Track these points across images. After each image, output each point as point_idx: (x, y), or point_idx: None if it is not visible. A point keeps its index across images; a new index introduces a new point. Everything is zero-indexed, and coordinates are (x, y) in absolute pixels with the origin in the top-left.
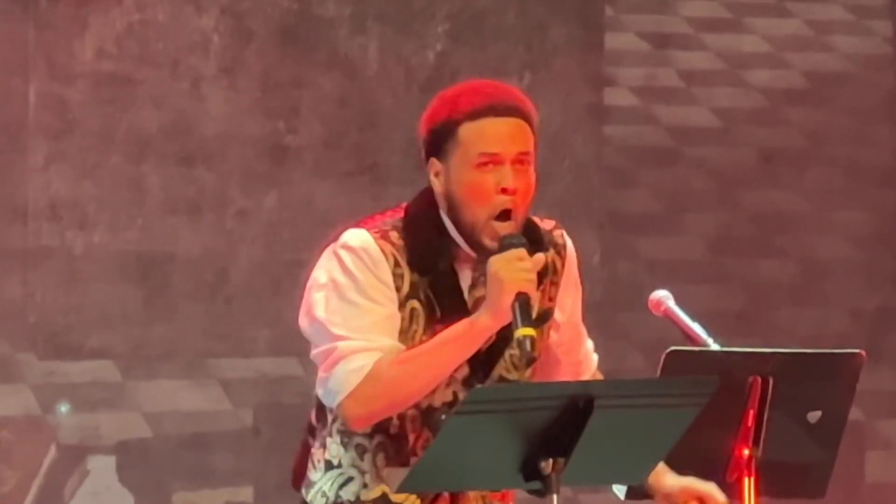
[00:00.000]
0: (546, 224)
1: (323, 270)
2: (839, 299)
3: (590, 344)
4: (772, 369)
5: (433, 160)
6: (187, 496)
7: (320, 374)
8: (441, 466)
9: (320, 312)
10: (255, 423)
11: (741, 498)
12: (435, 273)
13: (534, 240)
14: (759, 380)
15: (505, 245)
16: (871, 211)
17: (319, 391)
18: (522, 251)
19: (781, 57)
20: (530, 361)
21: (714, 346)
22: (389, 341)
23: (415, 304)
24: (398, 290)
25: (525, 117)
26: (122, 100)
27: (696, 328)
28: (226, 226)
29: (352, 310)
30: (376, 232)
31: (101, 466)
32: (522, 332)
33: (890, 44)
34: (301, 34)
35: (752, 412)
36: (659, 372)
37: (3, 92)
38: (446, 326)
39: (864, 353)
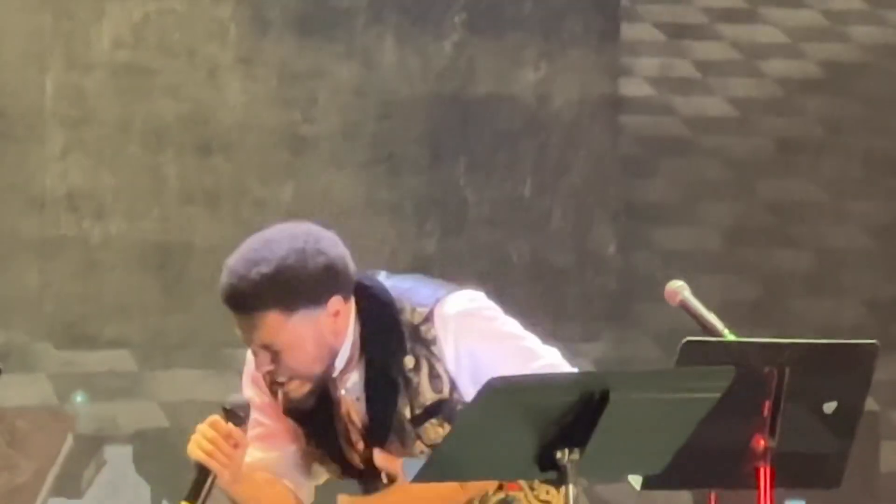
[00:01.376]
0: (417, 316)
1: None
2: (854, 289)
3: None
4: (787, 360)
5: None
6: None
7: None
8: (457, 456)
9: None
10: None
11: (758, 488)
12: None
13: (380, 351)
14: (775, 371)
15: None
16: (886, 201)
17: None
18: (217, 423)
19: (797, 47)
20: None
21: (730, 337)
22: (259, 455)
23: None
24: (278, 402)
25: (259, 307)
26: (140, 89)
27: (712, 319)
28: (243, 216)
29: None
30: None
31: (118, 456)
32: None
33: None
34: (318, 24)
35: (767, 403)
36: (675, 362)
37: (20, 81)
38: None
39: (878, 344)
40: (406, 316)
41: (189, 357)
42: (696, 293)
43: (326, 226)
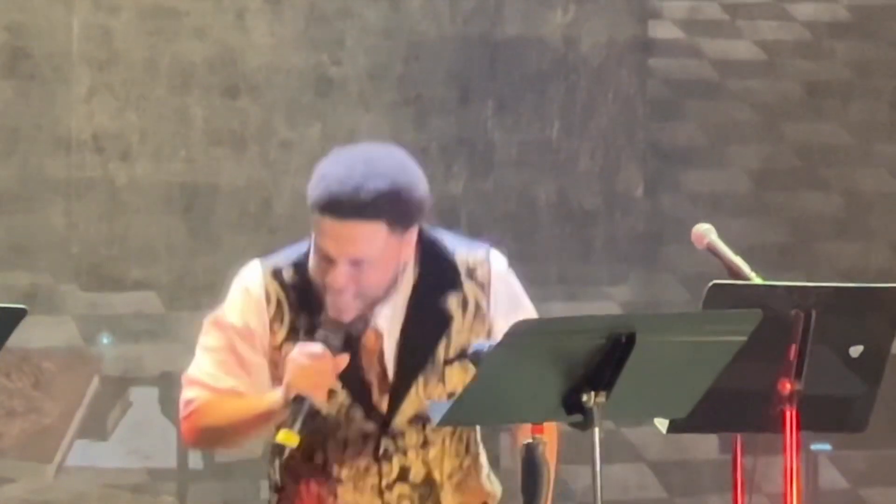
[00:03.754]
0: (473, 255)
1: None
2: (882, 232)
3: None
4: (814, 303)
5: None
6: None
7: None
8: (483, 399)
9: (202, 331)
10: None
11: (783, 431)
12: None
13: (433, 284)
14: (802, 314)
15: (317, 337)
16: None
17: None
18: (322, 353)
19: None
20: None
21: (756, 280)
22: (232, 383)
23: (290, 347)
24: (275, 333)
25: (372, 216)
26: (167, 31)
27: (739, 262)
28: (269, 157)
29: (214, 343)
30: (271, 270)
31: (144, 398)
32: (280, 435)
33: None
34: None
35: (794, 346)
36: (701, 305)
37: (47, 22)
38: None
39: None
40: (462, 255)
41: (215, 298)
42: (723, 236)
43: None
